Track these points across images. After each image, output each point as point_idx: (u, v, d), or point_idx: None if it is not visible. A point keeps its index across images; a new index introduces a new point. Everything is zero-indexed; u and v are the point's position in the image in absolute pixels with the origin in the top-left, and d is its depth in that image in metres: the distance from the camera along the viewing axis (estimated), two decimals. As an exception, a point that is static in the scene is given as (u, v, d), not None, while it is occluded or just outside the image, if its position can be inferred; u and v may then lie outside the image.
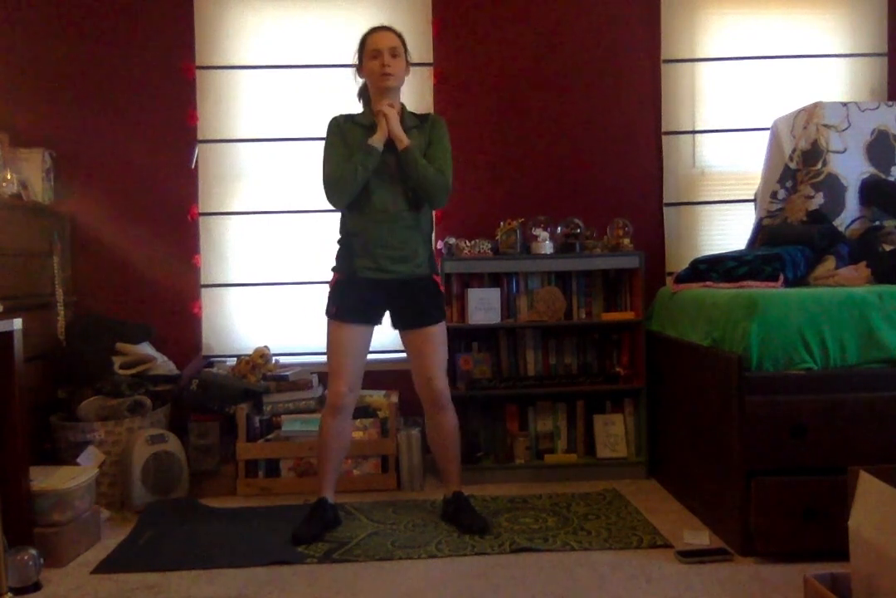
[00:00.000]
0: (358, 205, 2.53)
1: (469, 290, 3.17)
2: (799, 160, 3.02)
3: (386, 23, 2.63)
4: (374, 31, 2.57)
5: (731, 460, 2.31)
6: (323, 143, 2.60)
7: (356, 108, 2.68)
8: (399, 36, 2.56)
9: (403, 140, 2.48)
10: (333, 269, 2.62)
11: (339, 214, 2.60)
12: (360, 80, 2.65)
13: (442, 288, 2.68)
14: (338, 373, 2.53)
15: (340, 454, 2.62)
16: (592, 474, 3.13)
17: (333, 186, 2.50)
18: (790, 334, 2.28)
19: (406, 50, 2.57)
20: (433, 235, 2.82)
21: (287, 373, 3.20)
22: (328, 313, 2.57)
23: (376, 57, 2.50)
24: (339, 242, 2.63)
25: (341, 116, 2.63)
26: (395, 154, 2.50)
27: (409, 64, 2.59)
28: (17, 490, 2.22)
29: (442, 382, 2.58)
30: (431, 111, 3.37)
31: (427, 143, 2.59)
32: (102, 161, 3.34)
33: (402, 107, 2.61)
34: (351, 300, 2.54)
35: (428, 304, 2.59)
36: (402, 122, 2.53)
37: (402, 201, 2.53)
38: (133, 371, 2.99)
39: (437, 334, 2.59)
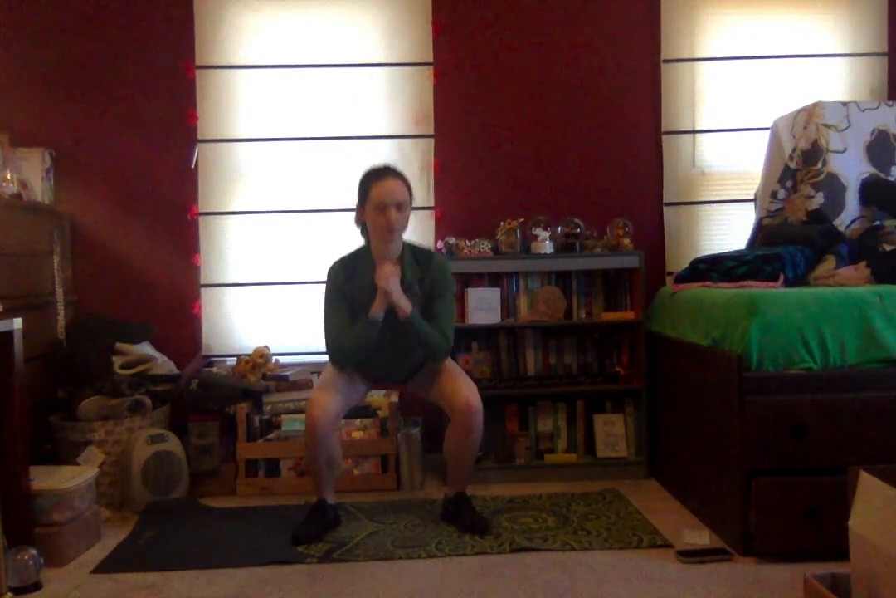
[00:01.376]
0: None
1: (469, 290, 3.17)
2: (799, 160, 3.02)
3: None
4: (380, 178, 2.48)
5: (731, 460, 2.31)
6: (325, 285, 2.61)
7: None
8: (406, 183, 2.51)
9: (405, 310, 2.47)
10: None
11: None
12: (357, 217, 2.60)
13: None
14: (318, 398, 2.47)
15: (332, 468, 2.56)
16: (592, 474, 3.13)
17: (337, 354, 2.54)
18: (790, 334, 2.28)
19: (410, 193, 2.53)
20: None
21: (287, 373, 3.20)
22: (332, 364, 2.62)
23: (382, 211, 2.44)
24: None
25: (339, 266, 2.59)
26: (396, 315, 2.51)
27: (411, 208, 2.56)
28: (17, 490, 2.22)
29: (476, 400, 2.48)
30: (431, 111, 3.37)
31: (429, 297, 2.58)
32: (102, 161, 3.34)
33: (403, 249, 2.58)
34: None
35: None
36: (402, 277, 2.51)
37: (403, 342, 2.54)
38: (133, 371, 2.99)
39: (449, 363, 2.63)
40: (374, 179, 2.49)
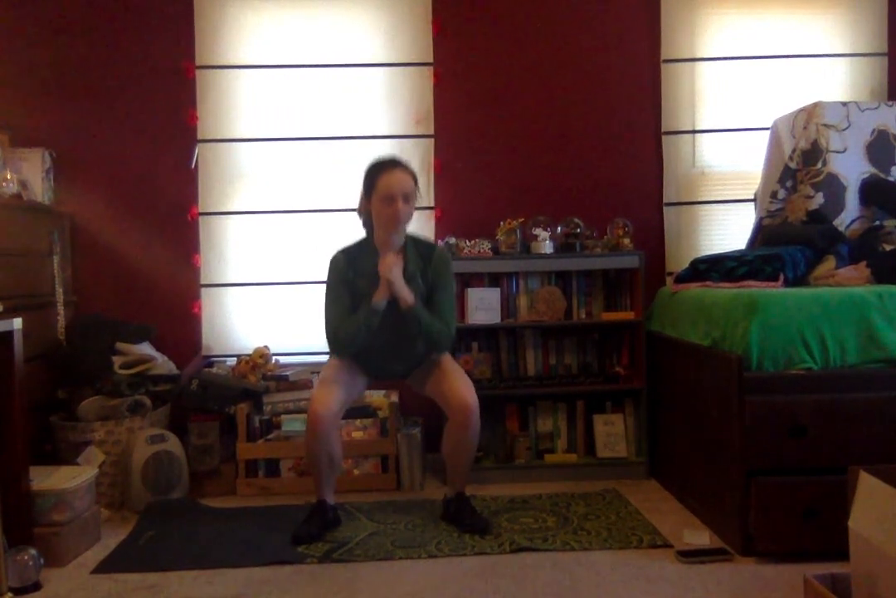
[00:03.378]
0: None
1: (469, 290, 3.17)
2: (799, 160, 3.02)
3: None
4: (385, 169, 2.49)
5: (731, 461, 2.31)
6: (327, 273, 2.61)
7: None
8: (412, 175, 2.52)
9: (408, 300, 2.48)
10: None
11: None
12: (361, 207, 2.61)
13: None
14: (319, 394, 2.49)
15: (332, 467, 2.56)
16: (592, 474, 3.13)
17: (337, 342, 2.55)
18: (790, 334, 2.28)
19: (416, 185, 2.54)
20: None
21: (287, 373, 3.20)
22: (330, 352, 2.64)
23: (389, 203, 2.45)
24: None
25: (342, 256, 2.60)
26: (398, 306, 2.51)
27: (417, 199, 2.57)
28: (17, 490, 2.22)
29: (473, 398, 2.50)
30: (431, 111, 3.37)
31: (430, 287, 2.58)
32: (102, 161, 3.34)
33: (406, 241, 2.59)
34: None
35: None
36: (405, 268, 2.52)
37: (405, 332, 2.55)
38: (133, 371, 2.99)
39: (447, 360, 2.64)
40: (382, 170, 2.50)
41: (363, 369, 2.68)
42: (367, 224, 2.63)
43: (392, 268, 2.47)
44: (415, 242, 2.64)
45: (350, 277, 2.57)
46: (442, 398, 2.56)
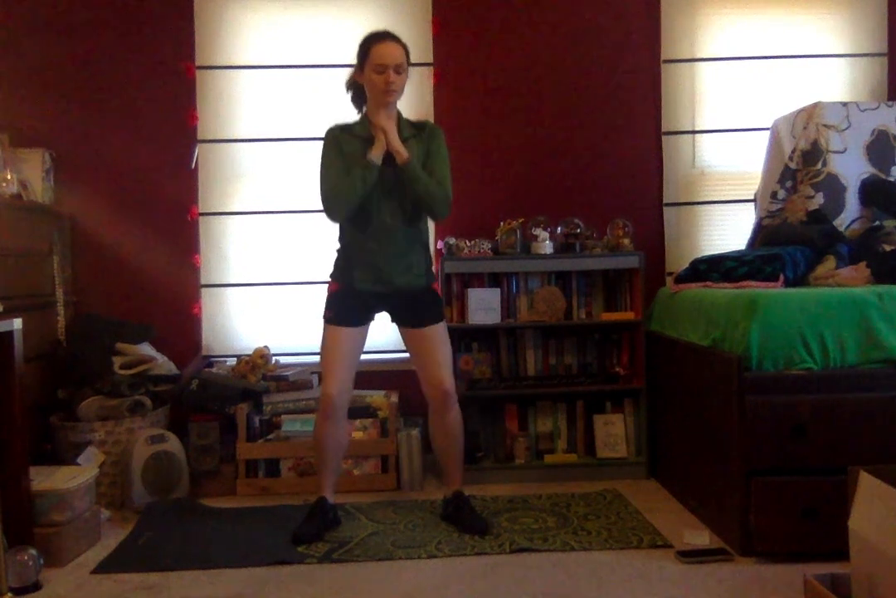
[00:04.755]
0: (356, 218, 2.53)
1: (469, 290, 3.17)
2: (799, 160, 3.02)
3: (386, 25, 2.61)
4: (379, 40, 2.49)
5: (731, 460, 2.31)
6: (320, 150, 2.57)
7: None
8: (404, 47, 2.52)
9: (403, 154, 2.46)
10: (332, 277, 2.62)
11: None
12: (351, 78, 2.60)
13: (441, 295, 2.69)
14: (328, 376, 2.53)
15: (338, 456, 2.62)
16: (592, 474, 3.13)
17: (332, 200, 2.49)
18: (790, 334, 2.28)
19: (409, 59, 2.54)
20: (431, 243, 2.83)
21: (287, 373, 3.20)
22: (325, 317, 2.58)
23: (381, 72, 2.45)
24: (337, 251, 2.64)
25: (337, 127, 2.60)
26: (394, 167, 2.48)
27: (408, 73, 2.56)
28: (17, 490, 2.22)
29: (448, 382, 2.57)
30: (431, 111, 3.38)
31: (425, 153, 2.57)
32: (102, 161, 3.34)
33: (399, 115, 2.60)
34: (348, 308, 2.56)
35: (426, 308, 2.60)
36: (399, 132, 2.51)
37: (399, 214, 2.53)
38: (133, 371, 2.99)
39: (438, 333, 2.59)
40: (375, 40, 2.49)
41: (356, 316, 2.57)
42: (356, 99, 2.62)
43: (386, 121, 2.48)
44: (407, 119, 2.63)
45: (344, 144, 2.54)
46: (421, 375, 2.61)
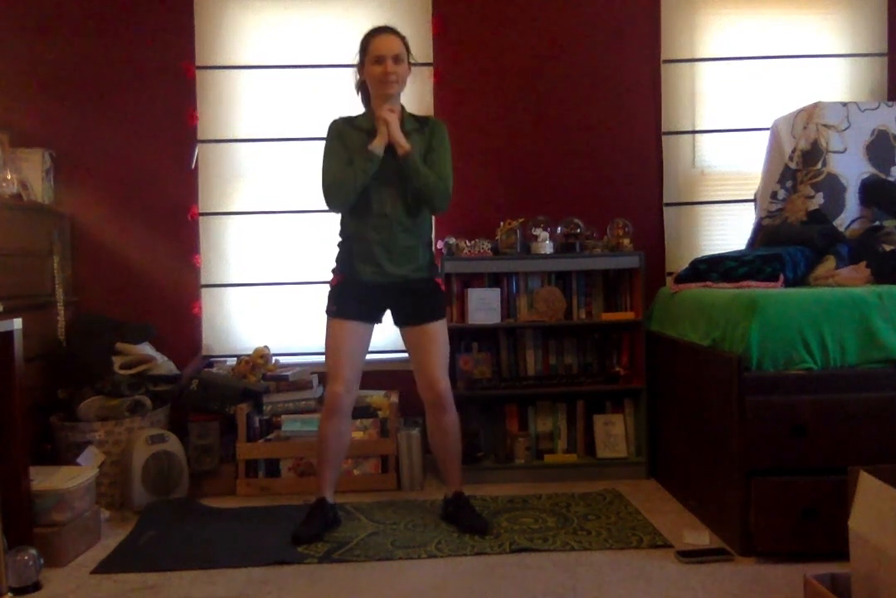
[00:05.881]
0: (357, 209, 2.54)
1: (469, 290, 3.17)
2: (799, 160, 3.02)
3: (386, 23, 2.62)
4: (377, 33, 2.53)
5: (731, 460, 2.31)
6: (323, 144, 2.59)
7: (356, 108, 2.68)
8: (403, 39, 2.54)
9: (404, 146, 2.47)
10: (334, 270, 2.63)
11: (338, 216, 2.61)
12: (358, 78, 2.63)
13: (443, 289, 2.69)
14: (335, 374, 2.53)
15: (340, 456, 2.62)
16: (592, 475, 3.13)
17: (333, 190, 2.51)
18: (790, 334, 2.28)
19: (409, 52, 2.56)
20: (433, 238, 2.84)
21: (287, 373, 3.20)
22: (328, 311, 2.58)
23: (379, 63, 2.48)
24: (339, 244, 2.64)
25: (341, 119, 2.63)
26: (395, 159, 2.49)
27: (410, 66, 2.58)
28: (17, 490, 2.22)
29: (444, 383, 2.57)
30: (431, 111, 3.38)
31: (427, 148, 2.58)
32: (102, 161, 3.34)
33: (402, 109, 2.61)
34: (352, 300, 2.56)
35: (428, 303, 2.60)
36: (401, 125, 2.53)
37: (401, 206, 2.54)
38: (133, 371, 2.99)
39: (438, 331, 2.59)
40: (372, 35, 2.54)
41: (360, 309, 2.56)
42: (365, 98, 2.64)
43: (389, 113, 2.49)
44: (411, 114, 2.65)
45: (347, 135, 2.56)
46: (417, 373, 2.61)
